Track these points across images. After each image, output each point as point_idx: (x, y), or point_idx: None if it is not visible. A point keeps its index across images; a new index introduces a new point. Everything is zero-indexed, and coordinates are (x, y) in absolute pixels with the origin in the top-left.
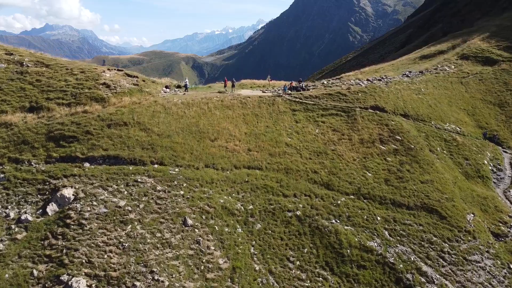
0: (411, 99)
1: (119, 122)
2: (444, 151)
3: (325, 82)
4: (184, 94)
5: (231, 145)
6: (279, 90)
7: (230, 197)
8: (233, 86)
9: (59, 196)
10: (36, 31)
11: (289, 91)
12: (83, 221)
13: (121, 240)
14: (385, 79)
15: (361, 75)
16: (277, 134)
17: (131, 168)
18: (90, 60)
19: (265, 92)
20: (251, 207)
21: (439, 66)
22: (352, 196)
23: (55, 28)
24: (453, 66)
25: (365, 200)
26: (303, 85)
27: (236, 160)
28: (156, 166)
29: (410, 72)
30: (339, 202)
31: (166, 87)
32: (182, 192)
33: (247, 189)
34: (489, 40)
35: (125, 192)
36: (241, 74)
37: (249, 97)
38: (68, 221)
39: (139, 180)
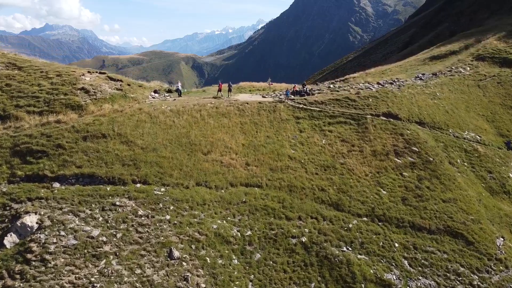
0: (426, 105)
1: (96, 134)
2: (465, 163)
3: (331, 86)
4: (175, 100)
5: (227, 159)
6: (280, 95)
7: (224, 222)
8: (229, 90)
9: (19, 224)
10: (36, 31)
11: (292, 96)
12: (47, 256)
13: (92, 279)
14: (397, 82)
15: (367, 77)
16: (279, 145)
17: (108, 188)
18: (90, 60)
19: (265, 97)
20: (249, 233)
21: (453, 67)
22: (365, 218)
23: (55, 28)
24: (468, 68)
25: (380, 223)
26: (307, 89)
27: (232, 177)
28: (138, 185)
29: (423, 74)
30: (350, 225)
31: (155, 91)
32: (168, 217)
33: (244, 211)
34: (506, 40)
35: (100, 219)
36: (241, 74)
37: (247, 103)
38: (29, 256)
39: (117, 203)
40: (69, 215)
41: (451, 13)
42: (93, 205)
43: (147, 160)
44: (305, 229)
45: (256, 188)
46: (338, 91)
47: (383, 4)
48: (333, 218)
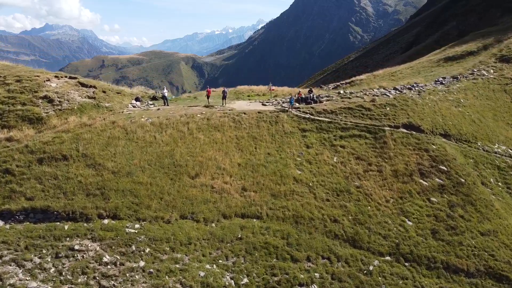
0: (450, 114)
1: (55, 155)
2: (499, 183)
3: (342, 92)
4: (159, 109)
5: (219, 183)
6: (283, 102)
7: (215, 266)
8: (224, 98)
9: None
10: (36, 31)
11: (297, 104)
12: None
13: None
14: (417, 88)
15: (376, 79)
16: (282, 164)
17: (66, 227)
18: (89, 60)
19: (265, 105)
20: (245, 280)
21: (475, 70)
22: (388, 258)
23: (55, 28)
24: (492, 70)
25: (407, 263)
26: (314, 96)
27: (225, 206)
28: (106, 221)
29: (444, 78)
30: (371, 267)
31: (137, 99)
32: (142, 264)
33: (240, 251)
34: None
35: (52, 270)
36: (241, 74)
37: (244, 113)
38: None
39: (76, 247)
40: (10, 265)
41: (457, 12)
42: (44, 251)
43: (119, 188)
44: (315, 274)
45: (254, 220)
46: (350, 98)
47: (383, 4)
48: (349, 258)
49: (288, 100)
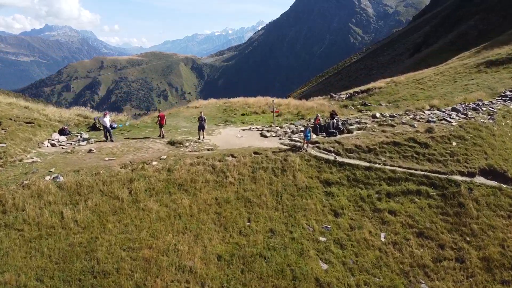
0: None
1: None
2: None
3: (378, 115)
4: (92, 150)
5: None
6: (293, 131)
7: None
8: (201, 128)
9: None
10: (36, 31)
11: (314, 136)
12: None
13: None
14: (483, 108)
15: (399, 87)
16: (296, 252)
17: None
18: (88, 61)
19: (266, 136)
20: None
21: None
22: None
23: (55, 29)
24: None
25: None
26: (339, 123)
27: None
28: None
29: None
30: None
31: (62, 132)
32: None
33: None
34: None
35: None
36: (240, 75)
37: (232, 156)
38: None
39: None
40: None
41: (474, 10)
42: None
43: None
44: None
45: None
46: (392, 125)
47: (384, 5)
48: None
49: (303, 129)
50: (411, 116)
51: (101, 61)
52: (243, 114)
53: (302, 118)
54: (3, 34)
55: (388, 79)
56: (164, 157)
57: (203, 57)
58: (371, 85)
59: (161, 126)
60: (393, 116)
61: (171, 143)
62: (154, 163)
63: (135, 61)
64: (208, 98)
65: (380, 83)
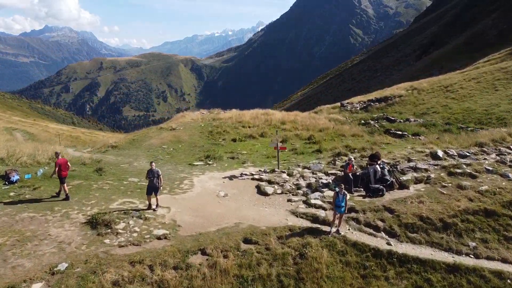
0: None
1: None
2: None
3: (441, 154)
4: None
5: None
6: (310, 188)
7: None
8: (152, 191)
9: None
10: (36, 32)
11: (348, 195)
12: None
13: None
14: None
15: (424, 95)
16: None
17: None
18: (87, 62)
19: (268, 194)
20: None
21: None
22: None
23: (55, 29)
24: None
25: None
26: (386, 171)
27: None
28: None
29: None
30: None
31: None
32: None
33: None
34: None
35: None
36: (240, 77)
37: (204, 252)
38: None
39: None
40: None
41: (490, 8)
42: None
43: None
44: None
45: None
46: (472, 174)
47: (384, 6)
48: None
49: (322, 179)
50: (493, 154)
51: (100, 62)
52: (234, 140)
53: (319, 151)
54: (3, 35)
55: (407, 85)
56: (63, 267)
57: (203, 58)
58: (388, 92)
59: (62, 180)
60: (465, 156)
61: (93, 223)
62: None
63: (135, 62)
64: (208, 99)
65: (399, 90)
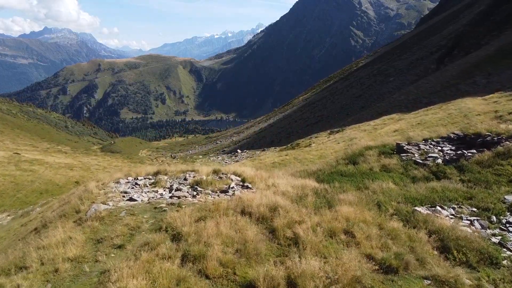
0: None
1: None
2: None
3: None
4: None
5: None
6: None
7: None
8: None
9: None
10: (35, 34)
11: None
12: None
13: None
14: None
15: None
16: None
17: None
18: (86, 64)
19: None
20: None
21: None
22: None
23: (54, 31)
24: None
25: None
26: None
27: None
28: None
29: None
30: None
31: None
32: None
33: None
34: None
35: None
36: (239, 79)
37: None
38: None
39: None
40: None
41: None
42: None
43: None
44: None
45: None
46: None
47: (385, 7)
48: None
49: None
50: None
51: (98, 64)
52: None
53: None
54: (2, 36)
55: (483, 97)
56: None
57: (202, 60)
58: (493, 132)
59: None
60: None
61: None
62: None
63: (133, 64)
64: (207, 101)
65: (483, 124)
